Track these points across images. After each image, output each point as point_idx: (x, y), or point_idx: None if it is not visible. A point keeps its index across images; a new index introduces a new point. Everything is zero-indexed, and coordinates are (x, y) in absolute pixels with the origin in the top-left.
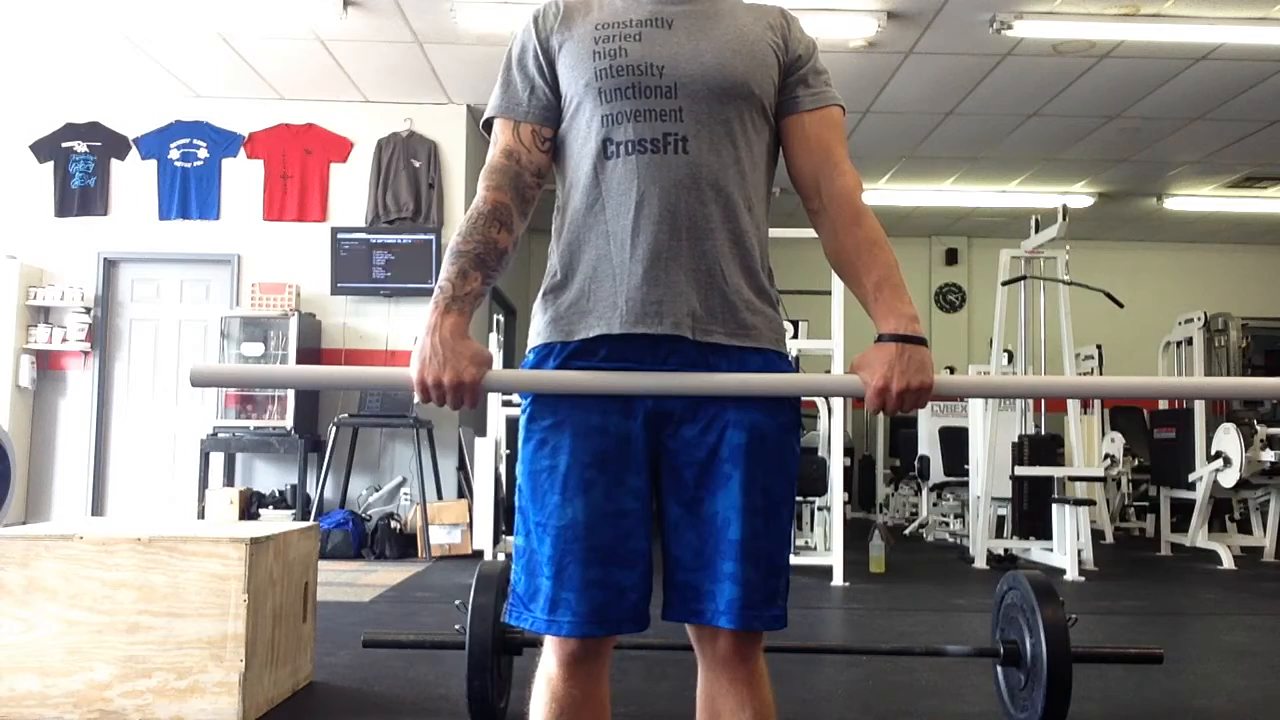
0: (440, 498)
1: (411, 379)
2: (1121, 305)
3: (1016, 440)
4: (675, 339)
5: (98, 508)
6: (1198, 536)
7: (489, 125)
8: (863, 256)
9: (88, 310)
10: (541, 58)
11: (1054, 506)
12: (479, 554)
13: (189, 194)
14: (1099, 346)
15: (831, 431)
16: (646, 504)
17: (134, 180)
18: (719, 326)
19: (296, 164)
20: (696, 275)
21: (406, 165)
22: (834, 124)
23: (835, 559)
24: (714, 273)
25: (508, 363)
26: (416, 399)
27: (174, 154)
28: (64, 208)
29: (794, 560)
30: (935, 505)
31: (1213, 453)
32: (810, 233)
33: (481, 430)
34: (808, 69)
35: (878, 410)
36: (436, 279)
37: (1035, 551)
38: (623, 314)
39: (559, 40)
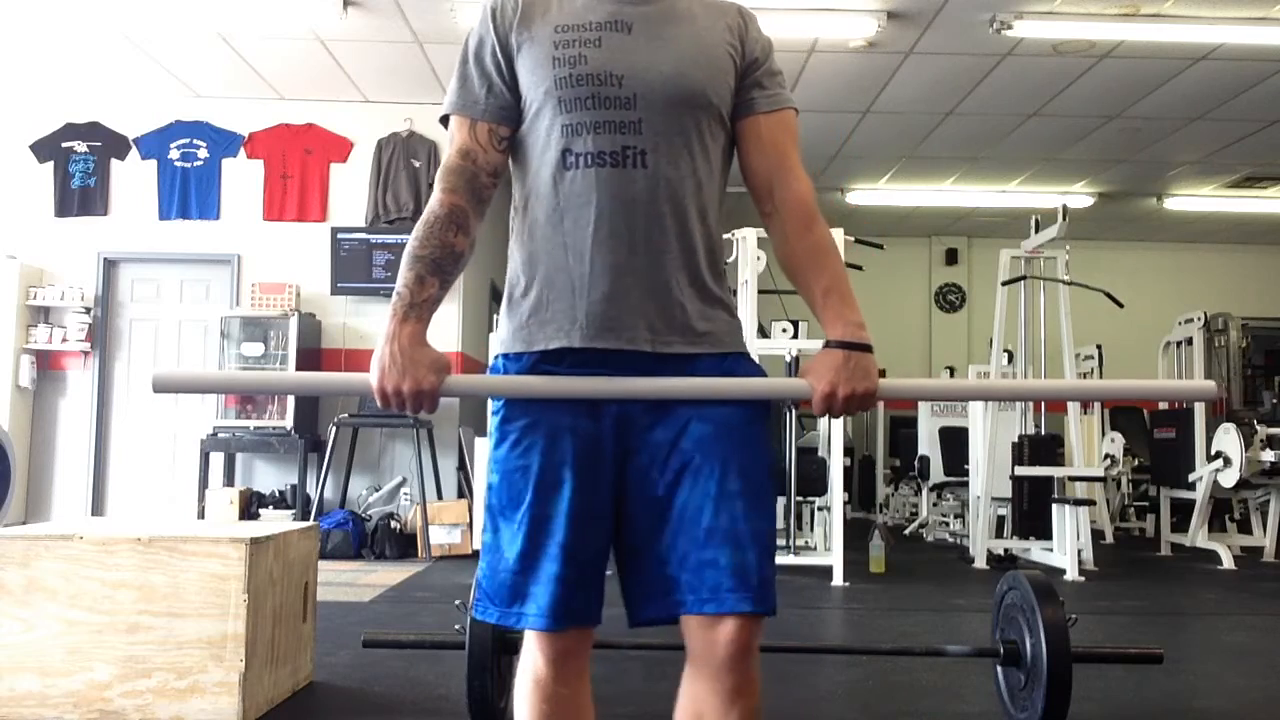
0: (440, 498)
1: (372, 386)
2: (1121, 305)
3: (1016, 440)
4: (634, 352)
5: (98, 508)
6: (1198, 536)
7: (445, 120)
8: (813, 263)
9: (88, 310)
10: (500, 54)
11: (1054, 506)
12: (479, 554)
13: (189, 194)
14: (1099, 346)
15: (831, 431)
16: (611, 504)
17: (134, 180)
18: (677, 337)
19: (296, 164)
20: (654, 290)
21: (406, 165)
22: (788, 127)
23: (835, 559)
24: (670, 285)
25: None
26: (378, 405)
27: (174, 154)
28: (64, 208)
29: (794, 560)
30: (935, 505)
31: (1213, 453)
32: None
33: (481, 430)
34: (763, 71)
35: (824, 413)
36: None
37: (1035, 551)
38: (582, 328)
39: (518, 39)
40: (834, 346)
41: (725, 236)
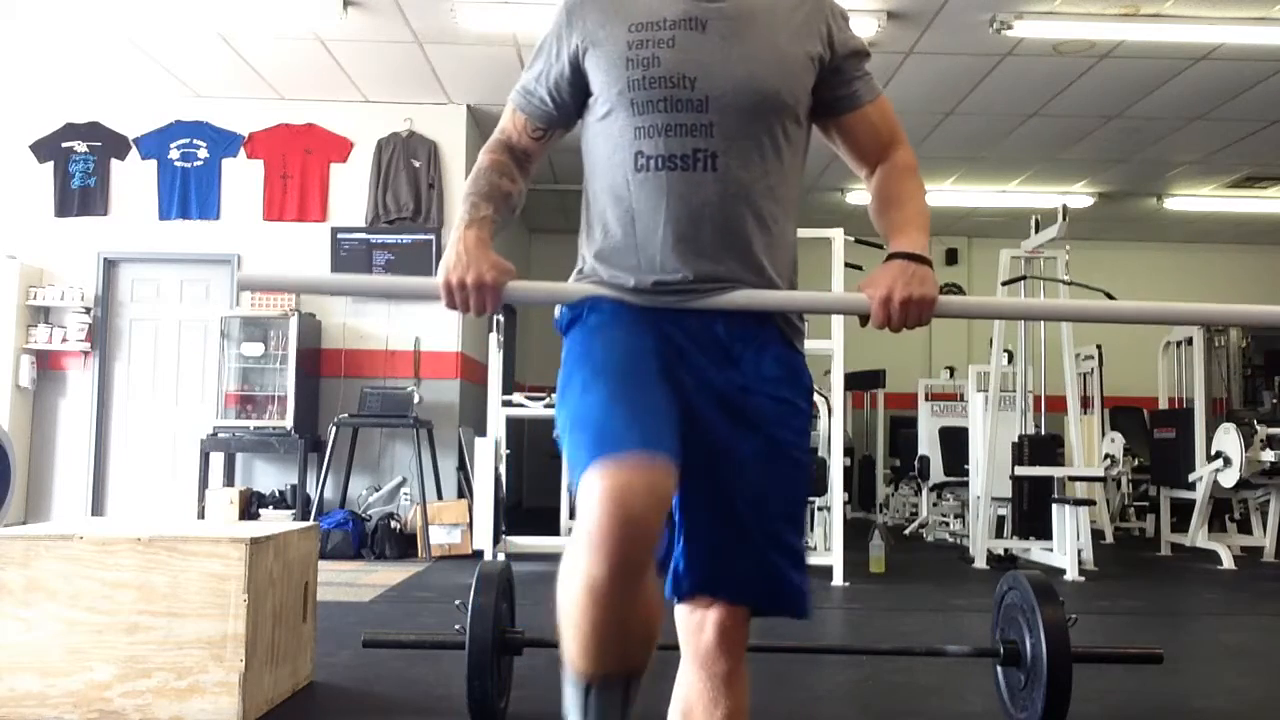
0: (440, 498)
1: (438, 283)
2: None
3: (1016, 440)
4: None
5: (98, 508)
6: (1198, 536)
7: None
8: (905, 199)
9: (88, 310)
10: (565, 55)
11: (1054, 506)
12: (479, 554)
13: (189, 194)
14: (1099, 347)
15: (831, 431)
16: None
17: (134, 180)
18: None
19: (296, 164)
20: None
21: (406, 165)
22: (890, 108)
23: (835, 559)
24: (738, 289)
25: (507, 367)
26: (442, 303)
27: (174, 154)
28: (64, 208)
29: None
30: (935, 505)
31: (1213, 453)
32: (812, 233)
33: (481, 430)
34: (863, 64)
35: (883, 323)
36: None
37: (1035, 551)
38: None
39: (591, 39)
40: (894, 257)
41: None
